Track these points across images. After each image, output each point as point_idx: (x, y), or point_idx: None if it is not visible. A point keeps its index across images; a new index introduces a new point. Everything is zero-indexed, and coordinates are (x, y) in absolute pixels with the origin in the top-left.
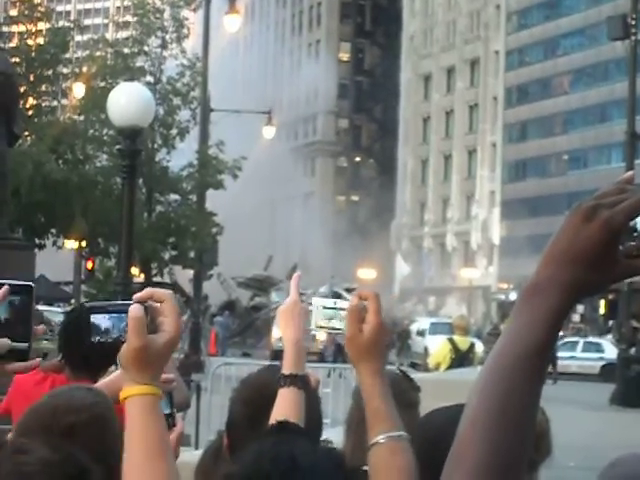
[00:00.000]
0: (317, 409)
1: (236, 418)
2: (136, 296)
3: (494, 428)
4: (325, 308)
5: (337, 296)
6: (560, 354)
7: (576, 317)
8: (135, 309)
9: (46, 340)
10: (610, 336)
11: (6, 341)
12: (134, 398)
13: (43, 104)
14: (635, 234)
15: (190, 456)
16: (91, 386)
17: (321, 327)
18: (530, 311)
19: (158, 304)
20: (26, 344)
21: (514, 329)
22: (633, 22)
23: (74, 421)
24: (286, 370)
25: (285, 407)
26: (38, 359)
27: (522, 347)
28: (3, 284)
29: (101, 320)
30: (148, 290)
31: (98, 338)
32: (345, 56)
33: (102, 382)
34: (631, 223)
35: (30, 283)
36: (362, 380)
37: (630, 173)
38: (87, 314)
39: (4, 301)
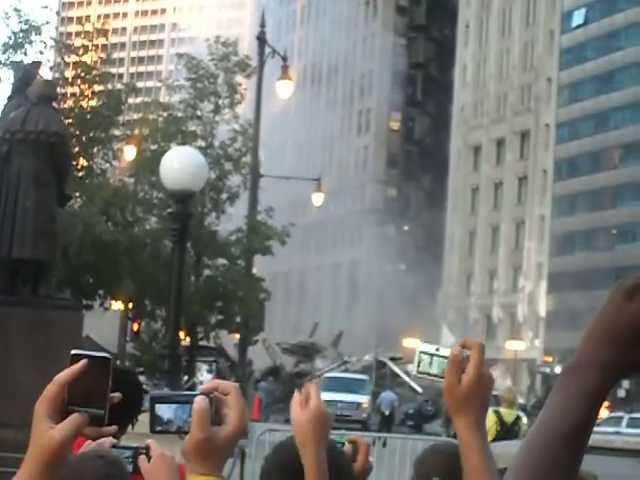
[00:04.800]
0: (350, 471)
1: None
2: (202, 388)
3: None
4: (425, 354)
5: (382, 365)
6: (605, 429)
7: (621, 392)
8: (200, 401)
9: None
10: None
11: (84, 419)
12: None
13: (94, 166)
14: None
15: None
16: (105, 453)
17: (421, 373)
18: (570, 390)
19: (223, 396)
20: (102, 411)
21: (553, 408)
22: None
23: None
24: None
25: None
26: (114, 427)
27: (561, 426)
28: (82, 356)
29: (165, 410)
30: (214, 382)
31: (160, 428)
32: (395, 125)
33: None
34: None
35: (107, 356)
36: (459, 434)
37: None
38: (152, 403)
39: (82, 374)
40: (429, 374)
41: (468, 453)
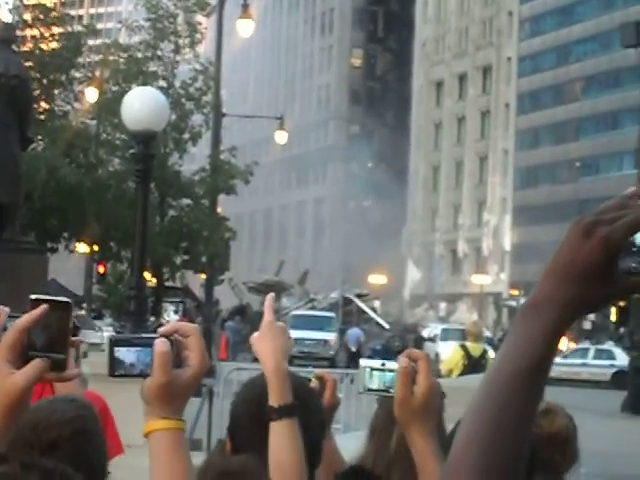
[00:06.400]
0: (318, 407)
1: (240, 419)
2: (162, 330)
3: (489, 444)
4: (373, 369)
5: (348, 302)
6: (571, 361)
7: (587, 324)
8: (161, 344)
9: None
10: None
11: (45, 364)
12: (158, 433)
13: (56, 108)
14: (634, 250)
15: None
16: (76, 397)
17: (369, 390)
18: (528, 327)
19: (184, 338)
20: (63, 356)
21: (512, 345)
22: None
23: (55, 437)
24: (274, 402)
25: (282, 442)
26: (76, 371)
27: (519, 363)
28: (42, 301)
29: (125, 354)
30: (174, 324)
31: (122, 372)
32: (357, 62)
33: None
34: (630, 239)
35: (68, 300)
36: (414, 442)
37: (633, 189)
38: (112, 347)
39: (42, 319)
40: (370, 389)
41: (425, 460)
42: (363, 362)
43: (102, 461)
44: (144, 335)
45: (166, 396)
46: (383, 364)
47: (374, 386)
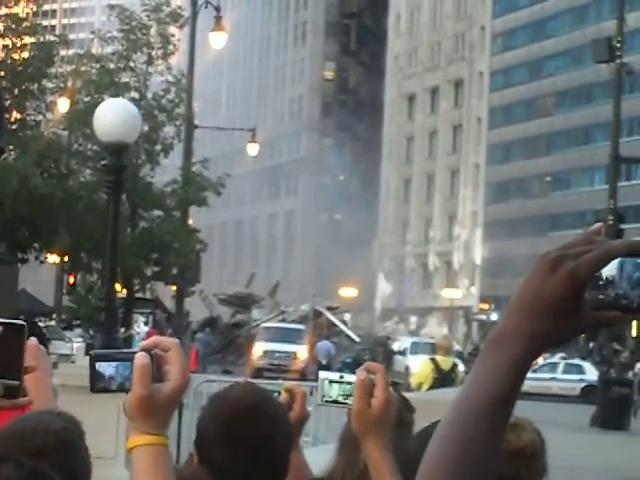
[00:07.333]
0: (285, 419)
1: (207, 434)
2: (142, 344)
3: (456, 467)
4: (331, 382)
5: (318, 315)
6: (541, 375)
7: None
8: (141, 358)
9: None
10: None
11: None
12: (140, 448)
13: (28, 118)
14: (601, 284)
15: None
16: (62, 411)
17: (327, 402)
18: (495, 359)
19: (164, 353)
20: (17, 382)
21: (477, 378)
22: (618, 45)
23: (41, 444)
24: None
25: None
26: (29, 398)
27: (485, 397)
28: None
29: (106, 368)
30: (154, 339)
31: (102, 385)
32: (330, 74)
33: None
34: (597, 273)
35: (22, 322)
36: (369, 454)
37: (598, 225)
38: (93, 362)
39: None
40: (328, 401)
41: (380, 473)
42: (322, 374)
43: (85, 474)
44: (125, 350)
45: (147, 410)
46: (341, 376)
47: (332, 398)
